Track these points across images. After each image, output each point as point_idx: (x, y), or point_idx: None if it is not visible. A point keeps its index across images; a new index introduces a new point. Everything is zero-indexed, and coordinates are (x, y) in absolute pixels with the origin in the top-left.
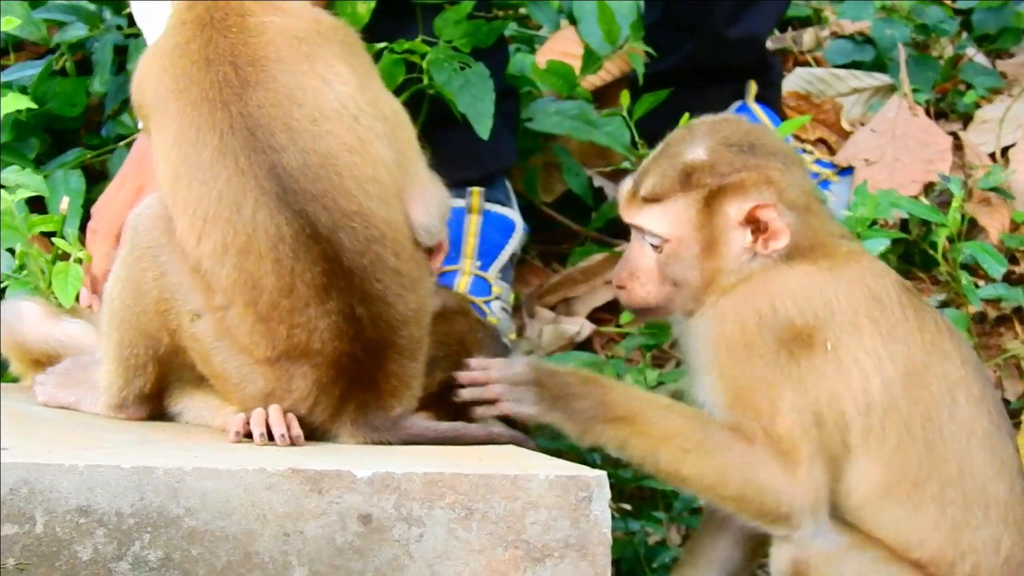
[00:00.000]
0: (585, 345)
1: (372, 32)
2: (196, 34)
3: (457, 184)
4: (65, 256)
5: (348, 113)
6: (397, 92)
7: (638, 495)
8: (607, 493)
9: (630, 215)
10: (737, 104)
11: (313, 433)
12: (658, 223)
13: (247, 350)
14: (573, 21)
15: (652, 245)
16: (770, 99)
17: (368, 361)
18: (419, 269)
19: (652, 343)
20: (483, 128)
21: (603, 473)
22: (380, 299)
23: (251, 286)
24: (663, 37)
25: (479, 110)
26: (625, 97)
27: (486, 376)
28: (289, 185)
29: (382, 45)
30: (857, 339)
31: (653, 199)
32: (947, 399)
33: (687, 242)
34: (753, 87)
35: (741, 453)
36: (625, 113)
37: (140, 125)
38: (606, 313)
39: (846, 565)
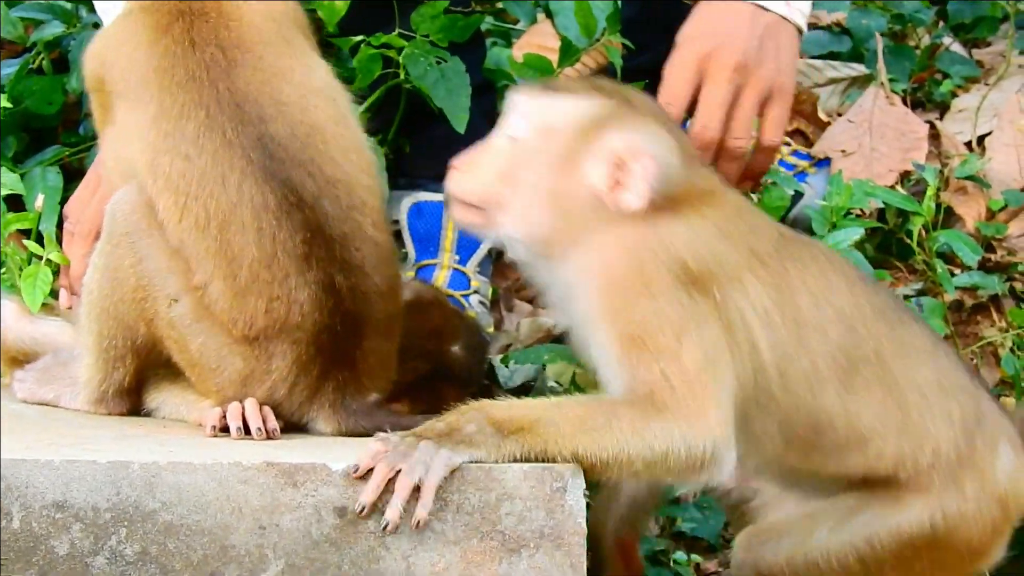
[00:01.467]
0: (562, 339)
1: (349, 26)
2: (174, 19)
3: (436, 178)
4: (38, 258)
5: (328, 91)
6: (374, 86)
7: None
8: (582, 483)
9: (520, 96)
10: None
11: (291, 417)
12: (540, 111)
13: (225, 329)
14: (550, 15)
15: (515, 136)
16: None
17: (346, 336)
18: (391, 241)
19: None
20: (459, 122)
21: (577, 466)
22: (359, 269)
23: (231, 259)
24: (642, 33)
25: (455, 104)
26: None
27: (384, 472)
28: (276, 154)
29: (359, 39)
30: (743, 294)
31: (552, 89)
32: (848, 336)
33: (554, 143)
34: None
35: (653, 412)
36: None
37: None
38: None
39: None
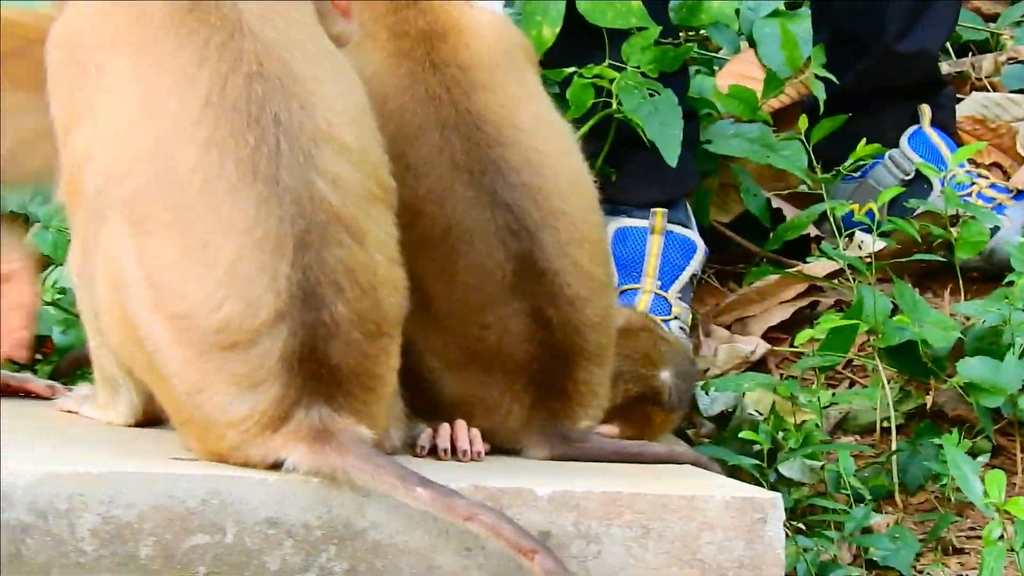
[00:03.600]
0: (760, 365)
1: (558, 56)
2: (416, 43)
3: (640, 205)
4: None
5: (557, 123)
6: (587, 116)
7: (810, 513)
8: (781, 515)
9: None
10: (913, 129)
11: (505, 442)
12: None
13: (439, 353)
14: (753, 44)
15: None
16: (945, 123)
17: (557, 367)
18: (608, 275)
19: (827, 364)
20: (671, 155)
21: (778, 495)
22: (570, 303)
23: (445, 281)
24: (834, 56)
25: (667, 136)
26: (804, 122)
27: None
28: (509, 178)
29: (571, 70)
30: None
31: None
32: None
33: None
34: (927, 112)
35: None
36: (803, 138)
37: None
38: (780, 333)
39: None
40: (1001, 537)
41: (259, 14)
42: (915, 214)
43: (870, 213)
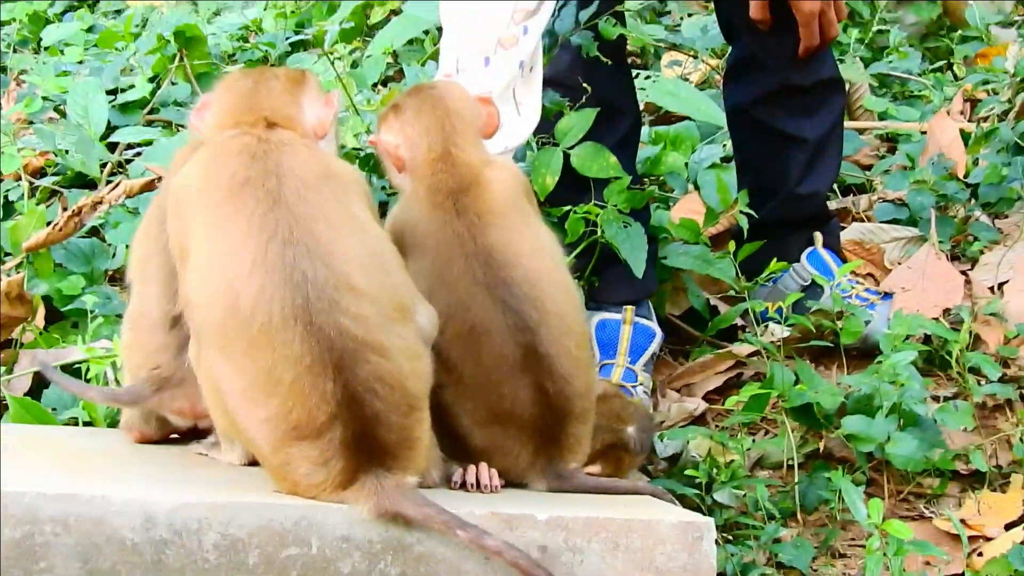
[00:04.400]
0: (700, 419)
1: (557, 197)
2: (446, 196)
3: (616, 303)
4: None
5: (550, 247)
6: (579, 240)
7: (736, 528)
8: (713, 534)
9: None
10: (809, 250)
11: (515, 478)
12: None
13: (469, 414)
14: (697, 187)
15: None
16: (833, 245)
17: (554, 424)
18: (589, 357)
19: (748, 419)
20: (637, 269)
21: (711, 519)
22: (563, 378)
23: (472, 363)
24: (753, 197)
25: (635, 256)
26: (732, 245)
27: None
28: (514, 291)
29: (567, 208)
30: None
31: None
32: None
33: None
34: (819, 237)
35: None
36: (732, 255)
37: None
38: (716, 395)
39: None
40: (878, 548)
41: (294, 190)
42: (811, 311)
43: (779, 310)
